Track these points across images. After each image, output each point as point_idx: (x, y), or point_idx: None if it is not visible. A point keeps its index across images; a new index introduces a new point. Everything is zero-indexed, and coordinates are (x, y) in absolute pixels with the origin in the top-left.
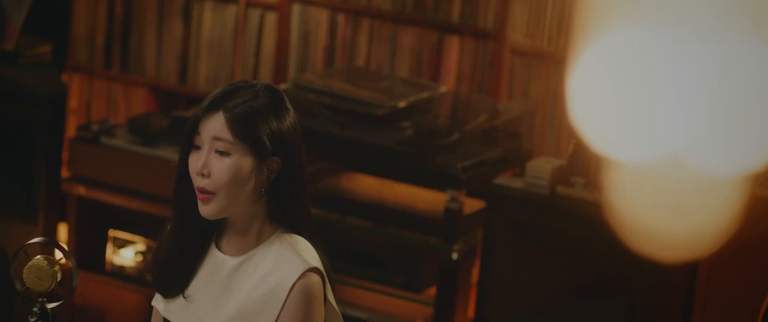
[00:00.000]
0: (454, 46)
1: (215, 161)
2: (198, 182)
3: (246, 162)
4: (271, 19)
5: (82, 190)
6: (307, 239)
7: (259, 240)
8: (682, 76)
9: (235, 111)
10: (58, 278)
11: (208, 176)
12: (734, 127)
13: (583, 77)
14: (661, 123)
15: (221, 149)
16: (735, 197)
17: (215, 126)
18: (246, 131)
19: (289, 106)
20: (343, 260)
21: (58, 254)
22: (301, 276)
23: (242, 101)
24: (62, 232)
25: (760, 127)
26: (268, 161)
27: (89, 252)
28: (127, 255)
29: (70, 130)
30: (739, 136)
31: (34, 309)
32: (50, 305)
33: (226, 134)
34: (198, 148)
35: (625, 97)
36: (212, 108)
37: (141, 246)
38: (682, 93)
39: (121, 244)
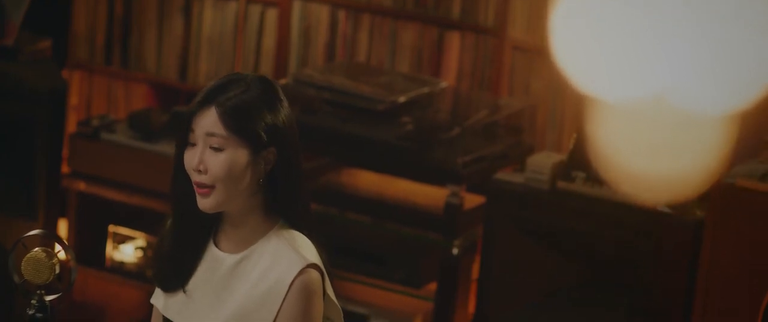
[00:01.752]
0: (454, 42)
1: (210, 157)
2: (195, 177)
3: (241, 155)
4: (272, 15)
5: (82, 185)
6: (305, 234)
7: (257, 236)
8: (668, 12)
9: (227, 105)
10: (57, 271)
11: (205, 172)
12: (721, 65)
13: (567, 15)
14: (646, 61)
15: (215, 145)
16: (722, 136)
17: (208, 121)
18: (239, 125)
19: (282, 96)
20: (343, 255)
21: (57, 247)
22: (300, 272)
23: (234, 95)
24: (62, 228)
25: (747, 65)
26: (264, 153)
27: (89, 248)
28: (127, 251)
29: (71, 127)
30: (726, 75)
31: (33, 302)
32: (49, 298)
33: (219, 129)
34: (193, 144)
35: (610, 34)
36: (204, 103)
37: (141, 242)
38: (668, 30)
39: (121, 240)
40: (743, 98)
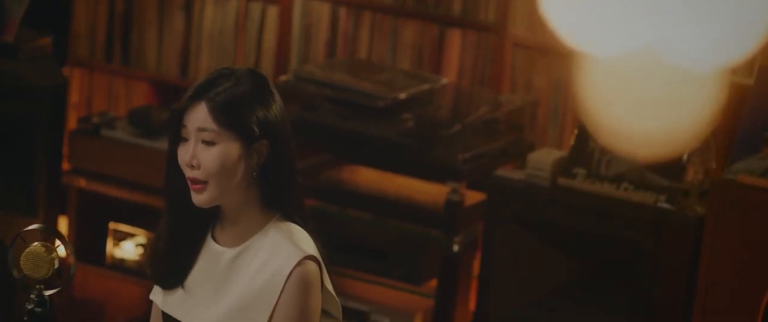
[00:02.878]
0: (455, 40)
1: (203, 151)
2: (188, 173)
3: (233, 148)
4: (273, 12)
5: (82, 182)
6: (301, 226)
7: (255, 229)
8: None
9: (216, 100)
10: (56, 265)
11: (198, 167)
12: (712, 18)
13: None
14: (636, 15)
15: (207, 139)
16: (713, 90)
17: (199, 117)
18: (229, 119)
19: (272, 89)
20: (344, 252)
21: (56, 242)
22: (298, 264)
23: (223, 89)
24: (63, 225)
25: (738, 19)
26: (256, 146)
27: (89, 245)
28: (127, 248)
29: (71, 125)
30: (716, 28)
31: (32, 296)
32: (48, 293)
33: (210, 124)
34: (185, 139)
35: None
36: (195, 98)
37: (141, 239)
38: None
39: (122, 237)
40: (735, 52)
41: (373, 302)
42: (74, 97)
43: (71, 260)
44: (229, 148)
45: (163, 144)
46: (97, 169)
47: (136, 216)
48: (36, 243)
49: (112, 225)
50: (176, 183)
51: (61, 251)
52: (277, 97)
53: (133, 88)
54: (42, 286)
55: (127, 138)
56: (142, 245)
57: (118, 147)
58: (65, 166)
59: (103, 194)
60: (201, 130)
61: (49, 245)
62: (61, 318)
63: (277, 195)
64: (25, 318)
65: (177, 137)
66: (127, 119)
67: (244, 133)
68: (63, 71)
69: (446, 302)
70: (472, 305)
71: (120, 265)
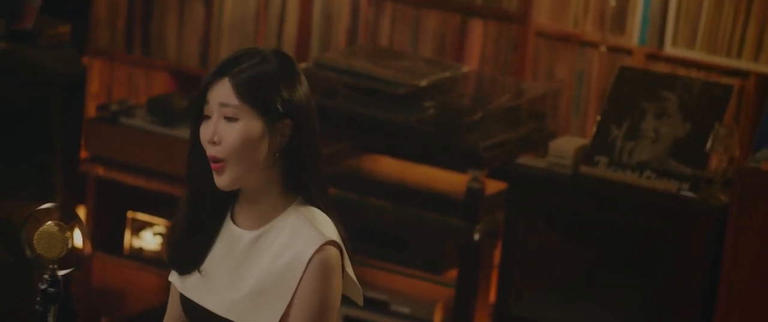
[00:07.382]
0: (477, 29)
1: (225, 128)
2: (210, 150)
3: (255, 126)
4: (294, 1)
5: (100, 170)
6: (323, 211)
7: (275, 212)
8: None
9: (240, 76)
10: (70, 245)
11: (219, 143)
12: None
13: None
14: None
15: (229, 115)
16: None
17: (222, 92)
18: (252, 95)
19: (298, 69)
20: (364, 240)
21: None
22: (319, 249)
23: (248, 66)
24: (81, 214)
25: None
26: (279, 124)
27: (108, 234)
28: (146, 237)
29: (91, 115)
30: None
31: (45, 276)
32: (61, 272)
33: (232, 99)
34: (208, 117)
35: None
36: (219, 75)
37: (160, 228)
38: None
39: (140, 226)
40: None
41: (393, 291)
42: (95, 87)
43: (86, 240)
44: (251, 125)
45: (182, 132)
46: (116, 157)
47: (155, 205)
48: (49, 222)
49: (130, 214)
50: (198, 166)
51: (78, 235)
52: (303, 78)
53: (154, 78)
54: (55, 266)
55: (146, 126)
56: (160, 234)
57: (136, 135)
58: (83, 154)
59: (122, 182)
60: (223, 105)
61: (62, 224)
62: (79, 307)
63: (298, 177)
64: (39, 298)
65: (200, 115)
66: (146, 107)
67: (266, 111)
68: (83, 60)
69: (467, 292)
70: (492, 294)
71: (138, 254)
